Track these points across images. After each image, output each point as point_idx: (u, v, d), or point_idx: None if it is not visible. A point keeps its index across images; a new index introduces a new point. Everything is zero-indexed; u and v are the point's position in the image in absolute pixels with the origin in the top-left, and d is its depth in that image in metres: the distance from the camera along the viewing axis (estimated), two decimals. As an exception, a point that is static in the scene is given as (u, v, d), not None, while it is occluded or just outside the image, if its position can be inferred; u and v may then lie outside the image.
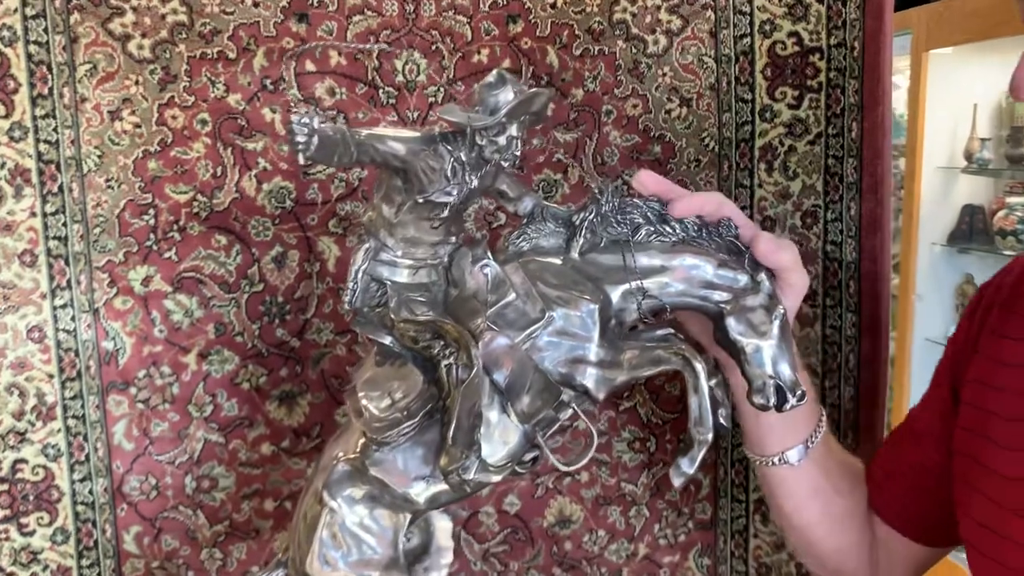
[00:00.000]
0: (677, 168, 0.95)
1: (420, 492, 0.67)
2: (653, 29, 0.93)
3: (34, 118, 0.86)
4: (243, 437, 0.93)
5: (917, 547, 0.85)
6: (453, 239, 0.69)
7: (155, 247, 0.89)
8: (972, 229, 3.07)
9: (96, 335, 0.89)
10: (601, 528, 1.01)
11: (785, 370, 0.66)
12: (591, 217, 0.70)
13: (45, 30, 0.85)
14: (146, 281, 0.90)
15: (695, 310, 0.71)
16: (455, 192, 0.64)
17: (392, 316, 0.66)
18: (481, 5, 0.90)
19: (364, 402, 0.66)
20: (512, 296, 0.67)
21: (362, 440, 0.67)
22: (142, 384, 0.91)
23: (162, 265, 0.90)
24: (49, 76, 0.85)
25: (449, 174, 0.64)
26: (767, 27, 0.93)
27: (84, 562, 0.92)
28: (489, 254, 0.69)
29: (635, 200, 0.71)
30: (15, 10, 0.84)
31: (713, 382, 0.71)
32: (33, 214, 0.87)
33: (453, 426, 0.63)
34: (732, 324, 0.67)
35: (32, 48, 0.85)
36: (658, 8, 0.92)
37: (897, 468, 0.86)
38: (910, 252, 3.13)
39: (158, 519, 0.93)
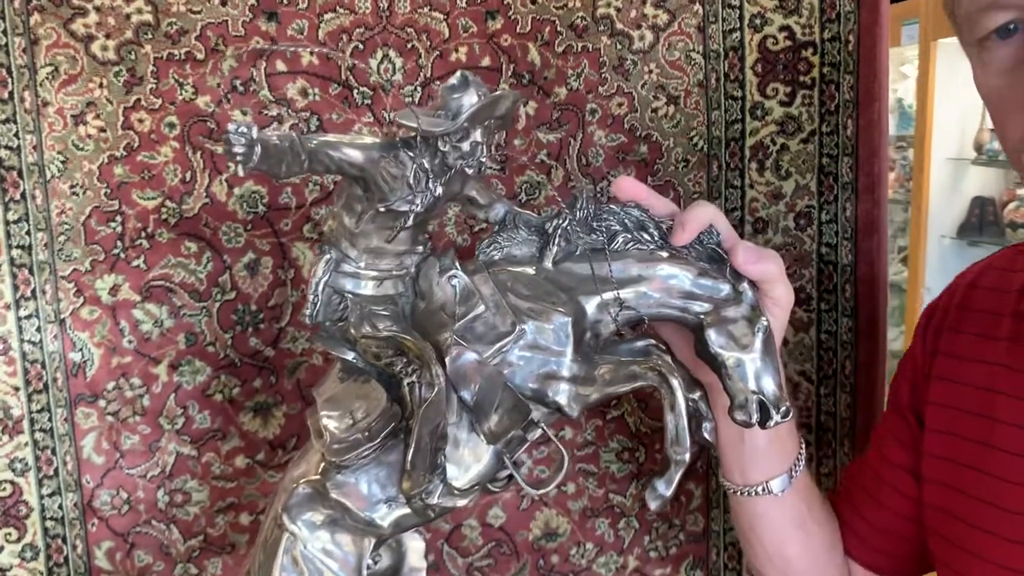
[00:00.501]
0: (664, 168, 0.91)
1: (383, 516, 0.63)
2: (638, 24, 0.89)
3: (-5, 123, 0.83)
4: (216, 450, 0.91)
5: None
6: (419, 248, 0.66)
7: (123, 255, 0.87)
8: (982, 222, 3.02)
9: (63, 346, 0.87)
10: (589, 541, 0.97)
11: (769, 385, 0.63)
12: (565, 224, 0.66)
13: (4, 32, 0.82)
14: (114, 290, 0.87)
15: (674, 321, 0.68)
16: (418, 201, 0.61)
17: (353, 331, 0.63)
18: (458, 1, 0.87)
19: (324, 421, 0.63)
20: (481, 308, 0.64)
21: (323, 462, 0.64)
22: (111, 396, 0.88)
23: (130, 274, 0.87)
24: (9, 79, 0.82)
25: (412, 182, 0.60)
26: (757, 21, 0.89)
27: (55, 579, 0.90)
28: (457, 264, 0.66)
29: (612, 206, 0.67)
30: (-28, 12, 0.81)
31: (697, 395, 0.68)
32: (-4, 222, 0.84)
33: (412, 449, 0.60)
34: (712, 336, 0.64)
35: (-8, 50, 0.82)
36: (643, 2, 0.89)
37: (865, 505, 0.82)
38: (919, 245, 3.08)
39: (130, 534, 0.91)
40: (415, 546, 0.72)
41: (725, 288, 0.66)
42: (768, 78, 0.90)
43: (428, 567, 0.93)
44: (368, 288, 0.64)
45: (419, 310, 0.66)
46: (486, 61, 0.88)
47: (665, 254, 0.67)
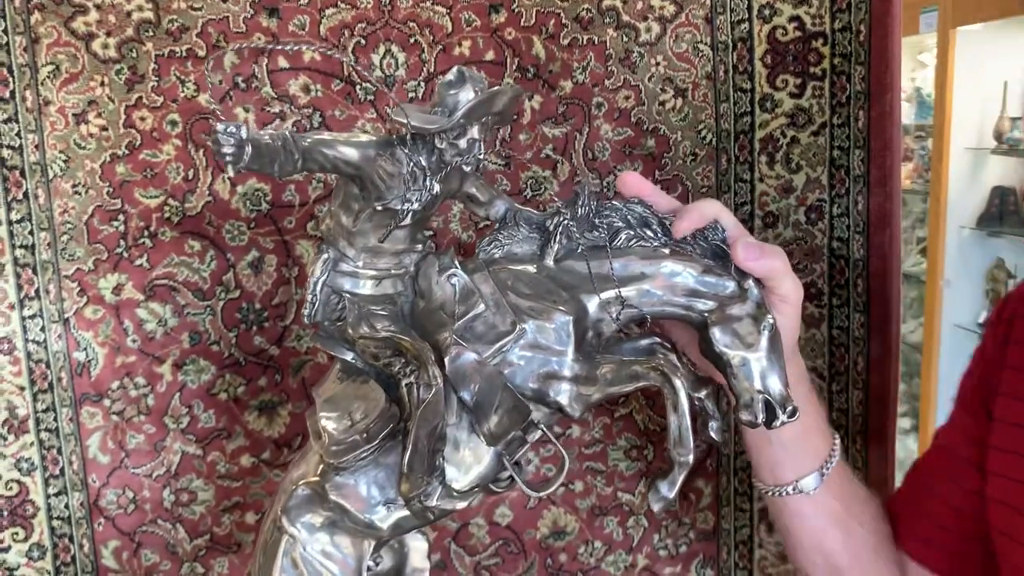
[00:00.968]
0: (672, 163, 0.90)
1: (383, 518, 0.63)
2: (645, 16, 0.88)
3: (-3, 122, 0.83)
4: (222, 449, 0.90)
5: None
6: (418, 247, 0.65)
7: (125, 254, 0.86)
8: (1003, 212, 2.98)
9: (67, 346, 0.86)
10: (597, 539, 0.96)
11: (775, 384, 0.62)
12: (566, 221, 0.65)
13: (5, 31, 0.81)
14: (117, 289, 0.87)
15: (678, 320, 0.66)
16: (415, 199, 0.60)
17: (350, 331, 0.62)
18: (461, -6, 0.86)
19: (323, 423, 0.62)
20: (481, 307, 0.63)
21: (322, 463, 0.63)
22: (116, 395, 0.88)
23: (133, 273, 0.87)
24: (10, 79, 0.82)
25: (409, 180, 0.59)
26: (766, 11, 0.87)
27: (62, 578, 0.90)
28: (456, 262, 0.65)
29: (614, 203, 0.66)
30: (-28, 11, 0.81)
31: (704, 393, 0.67)
32: (-1, 222, 0.84)
33: (410, 451, 0.59)
34: (717, 335, 0.63)
35: (-7, 50, 0.82)
36: (649, -7, 0.87)
37: (927, 501, 0.80)
38: (938, 236, 3.05)
39: (137, 533, 0.91)
40: (418, 546, 0.71)
41: (730, 286, 0.65)
42: (778, 69, 0.88)
43: (435, 566, 0.93)
44: (367, 287, 0.64)
45: (418, 309, 0.65)
46: (490, 55, 0.87)
47: (668, 251, 0.66)
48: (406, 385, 0.61)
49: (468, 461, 0.63)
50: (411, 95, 0.87)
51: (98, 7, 0.83)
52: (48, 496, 0.89)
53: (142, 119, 0.85)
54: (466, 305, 0.63)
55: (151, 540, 0.91)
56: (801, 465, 0.75)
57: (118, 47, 0.84)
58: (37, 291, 0.85)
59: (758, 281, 0.65)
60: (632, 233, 0.65)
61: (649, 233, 0.66)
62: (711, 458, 0.95)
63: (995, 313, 0.79)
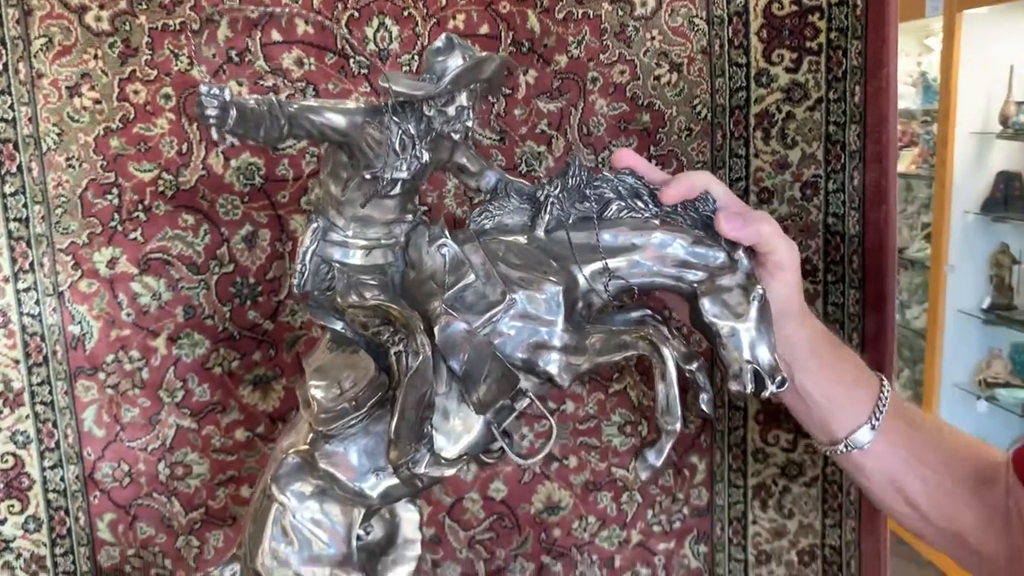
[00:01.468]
0: (667, 138, 0.90)
1: (372, 486, 0.63)
2: (640, -11, 0.87)
3: (-10, 95, 0.83)
4: (216, 423, 0.91)
5: None
6: (408, 217, 0.65)
7: (120, 228, 0.86)
8: (1007, 196, 2.97)
9: (62, 319, 0.87)
10: (591, 514, 0.97)
11: (764, 354, 0.62)
12: (557, 192, 0.65)
13: (-3, 3, 0.81)
14: (111, 263, 0.87)
15: (669, 291, 0.66)
16: (404, 167, 0.60)
17: (339, 300, 0.62)
18: (455, -33, 0.85)
19: (312, 391, 0.62)
20: (471, 278, 0.63)
21: (312, 432, 0.63)
22: (111, 369, 0.88)
23: (127, 246, 0.87)
24: (3, 51, 0.82)
25: (398, 148, 0.59)
26: (762, -15, 0.87)
27: (58, 550, 0.91)
28: (447, 233, 0.64)
29: (606, 174, 0.66)
30: (-36, -17, 0.81)
31: (694, 366, 0.66)
32: (-7, 195, 0.84)
33: (397, 418, 0.59)
34: (706, 305, 0.63)
35: (-15, 22, 0.82)
36: (645, -33, 0.87)
37: None
38: (942, 221, 3.04)
39: (132, 506, 0.91)
40: (410, 517, 0.71)
41: (720, 256, 0.64)
42: (773, 44, 0.88)
43: (430, 540, 0.94)
44: (357, 258, 0.64)
45: (408, 279, 0.65)
46: (484, 28, 0.87)
47: (659, 222, 0.65)
48: (395, 353, 0.61)
49: (458, 430, 0.63)
50: (405, 69, 0.87)
51: (91, -21, 0.83)
52: (44, 469, 0.89)
53: (136, 92, 0.85)
54: (456, 275, 0.63)
55: (146, 513, 0.91)
56: (848, 420, 0.73)
57: (111, 20, 0.84)
58: (31, 264, 0.85)
59: (749, 251, 0.65)
60: (623, 204, 0.65)
61: (640, 204, 0.65)
62: (705, 434, 0.95)
63: None
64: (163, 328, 0.88)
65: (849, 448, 0.73)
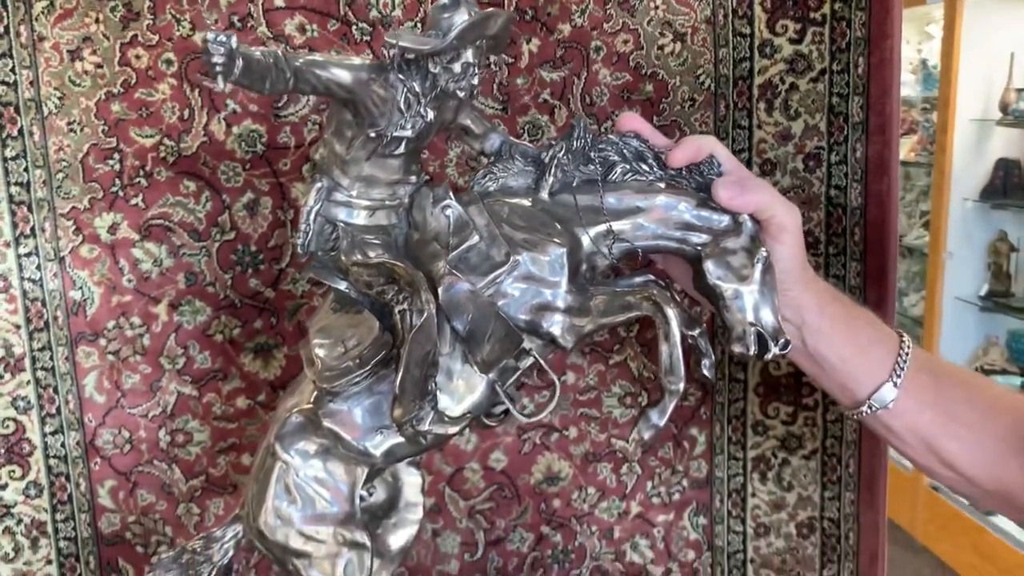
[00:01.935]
0: (670, 108, 0.90)
1: (377, 445, 0.63)
2: (645, -42, 0.87)
3: (-8, 58, 0.83)
4: (217, 390, 0.91)
5: None
6: (413, 178, 0.65)
7: (121, 193, 0.86)
8: (1007, 184, 2.97)
9: (63, 284, 0.87)
10: (591, 485, 0.97)
11: (767, 316, 0.62)
12: (561, 155, 0.65)
13: (-1, -36, 0.81)
14: (113, 228, 0.87)
15: (673, 253, 0.66)
16: (409, 126, 0.60)
17: (343, 258, 0.62)
18: (459, -66, 0.85)
19: (315, 350, 0.62)
20: (475, 239, 0.63)
21: (316, 391, 0.63)
22: (112, 335, 0.88)
23: (129, 212, 0.87)
24: (4, 13, 0.82)
25: (403, 106, 0.59)
26: (767, -45, 0.86)
27: (59, 516, 0.91)
28: (451, 194, 0.64)
29: (610, 136, 0.66)
30: (-33, -56, 0.80)
31: (696, 331, 0.66)
32: (-6, 159, 0.84)
33: (401, 374, 0.59)
34: (711, 268, 0.63)
35: (-14, -16, 0.81)
36: (649, -65, 0.86)
37: None
38: (941, 208, 3.04)
39: (133, 473, 0.91)
40: (412, 481, 0.72)
41: (724, 219, 0.64)
42: (777, 15, 0.88)
43: (430, 509, 0.94)
44: (361, 218, 0.63)
45: (412, 241, 0.65)
46: (488, -4, 0.87)
47: (664, 185, 0.65)
48: (399, 312, 0.61)
49: (461, 390, 0.63)
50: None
51: (93, -58, 0.82)
52: (45, 435, 0.89)
53: (137, 57, 0.84)
54: (460, 236, 0.63)
55: (147, 480, 0.92)
56: (867, 379, 0.71)
57: (113, -17, 0.83)
58: (32, 229, 0.85)
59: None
60: (628, 167, 0.65)
61: (645, 167, 0.65)
62: (705, 406, 0.95)
63: None
64: (164, 295, 0.88)
65: (874, 408, 0.71)
